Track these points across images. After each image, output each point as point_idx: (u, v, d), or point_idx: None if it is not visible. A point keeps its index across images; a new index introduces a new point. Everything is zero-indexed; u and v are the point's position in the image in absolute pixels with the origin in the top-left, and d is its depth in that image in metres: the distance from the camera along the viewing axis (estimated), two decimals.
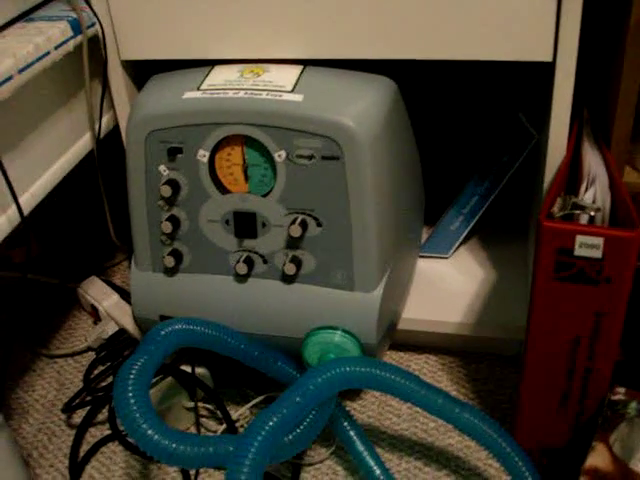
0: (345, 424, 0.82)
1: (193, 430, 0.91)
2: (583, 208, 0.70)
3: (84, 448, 0.91)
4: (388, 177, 0.80)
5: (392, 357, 1.00)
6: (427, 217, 1.07)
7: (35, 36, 0.76)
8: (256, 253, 0.82)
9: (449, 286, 1.01)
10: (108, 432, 0.92)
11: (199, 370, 0.91)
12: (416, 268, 1.04)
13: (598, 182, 0.74)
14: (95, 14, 0.83)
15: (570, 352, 0.72)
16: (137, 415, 0.67)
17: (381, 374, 0.73)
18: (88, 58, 0.84)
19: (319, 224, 0.79)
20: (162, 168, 0.81)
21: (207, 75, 0.81)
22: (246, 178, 0.79)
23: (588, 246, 0.65)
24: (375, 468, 0.80)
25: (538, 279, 0.69)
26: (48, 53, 0.77)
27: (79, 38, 0.82)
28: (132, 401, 0.67)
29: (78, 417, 0.95)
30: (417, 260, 1.05)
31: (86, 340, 1.06)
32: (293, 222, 0.78)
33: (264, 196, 0.79)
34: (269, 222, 0.80)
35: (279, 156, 0.77)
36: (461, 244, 1.06)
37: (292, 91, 0.76)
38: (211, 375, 0.92)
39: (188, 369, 0.90)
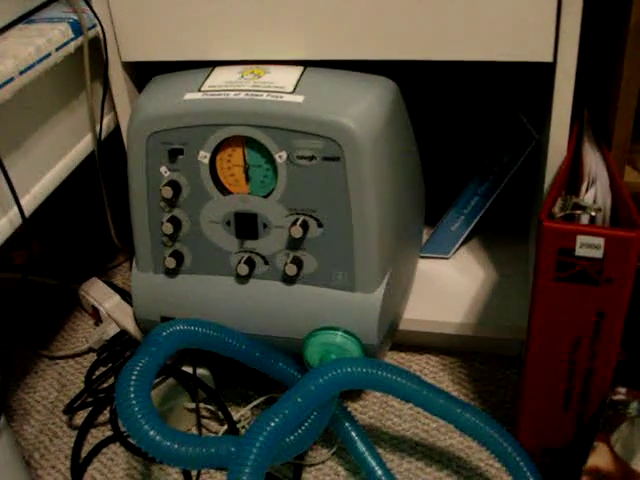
0: (346, 425, 0.82)
1: (194, 431, 0.91)
2: (584, 208, 0.71)
3: (86, 449, 0.91)
4: (389, 178, 0.80)
5: (393, 358, 1.00)
6: (428, 218, 1.07)
7: (36, 38, 0.76)
8: (257, 254, 0.82)
9: (450, 287, 1.01)
10: (110, 433, 0.93)
11: (200, 371, 0.91)
12: (417, 269, 1.04)
13: (599, 182, 0.74)
14: (96, 16, 0.83)
15: (571, 352, 0.72)
16: (139, 416, 0.67)
17: (382, 375, 0.73)
18: (89, 60, 0.84)
19: (320, 225, 0.79)
20: (163, 169, 0.81)
21: (208, 76, 0.81)
22: (247, 179, 0.80)
23: (589, 246, 0.65)
24: (377, 469, 0.80)
25: (539, 279, 0.69)
26: (49, 55, 0.77)
27: (80, 40, 0.82)
28: (134, 402, 0.68)
29: (79, 418, 0.95)
30: (418, 261, 1.05)
31: (87, 341, 1.06)
32: (294, 223, 0.78)
33: (265, 197, 0.79)
34: (270, 223, 0.80)
35: (280, 157, 0.77)
36: (462, 245, 1.06)
37: (293, 92, 0.76)
38: (212, 376, 0.92)
39: (189, 370, 0.90)
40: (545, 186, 0.81)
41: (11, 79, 0.71)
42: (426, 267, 1.04)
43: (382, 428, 0.90)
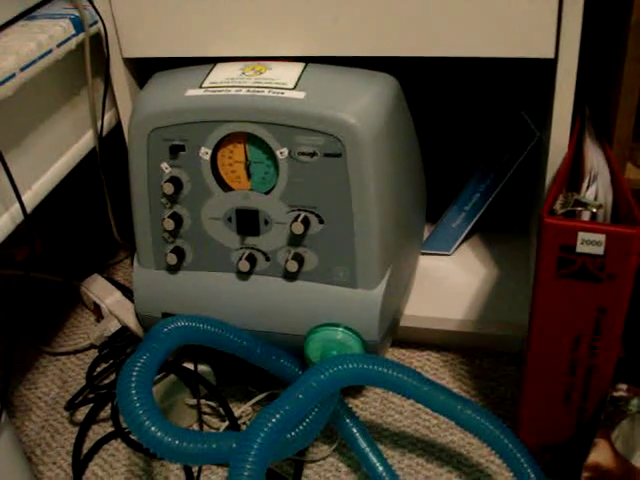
0: (347, 421, 0.82)
1: (196, 427, 0.91)
2: (585, 205, 0.71)
3: (87, 445, 0.91)
4: (390, 174, 0.80)
5: (394, 354, 1.00)
6: (429, 214, 1.07)
7: (37, 34, 0.76)
8: (258, 250, 0.83)
9: (451, 283, 1.01)
10: (111, 429, 0.93)
11: (202, 367, 0.91)
12: (418, 265, 1.04)
13: (600, 179, 0.74)
14: (97, 12, 0.83)
15: (572, 349, 0.72)
16: (140, 412, 0.67)
17: (383, 371, 0.73)
18: (90, 56, 0.85)
19: (321, 221, 0.79)
20: (164, 165, 0.81)
21: (209, 73, 0.81)
22: (248, 175, 0.80)
23: (590, 243, 0.65)
24: (377, 465, 0.80)
25: (540, 276, 0.69)
26: (50, 51, 0.77)
27: (81, 36, 0.82)
28: (135, 398, 0.68)
29: (81, 414, 0.95)
30: (419, 257, 1.05)
31: (89, 338, 1.06)
32: (295, 219, 0.78)
33: (266, 193, 0.79)
34: (271, 219, 0.81)
35: (281, 153, 0.77)
36: (463, 241, 1.06)
37: (294, 88, 0.76)
38: (214, 372, 0.92)
39: (191, 366, 0.90)
40: (546, 183, 0.81)
41: (12, 75, 0.71)
42: (427, 264, 1.04)
43: (383, 424, 0.90)
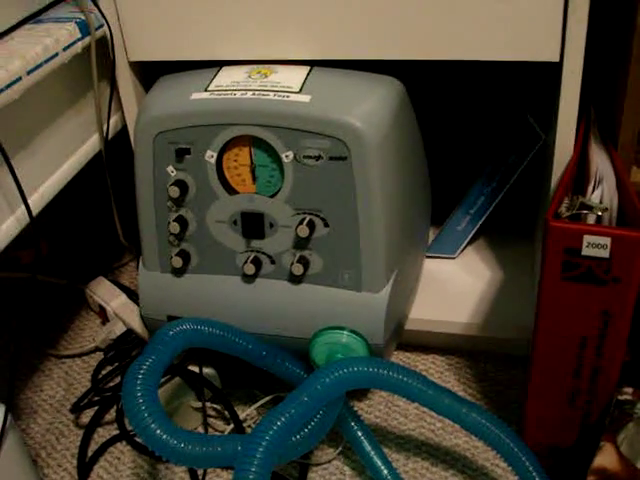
0: (352, 424, 0.82)
1: (201, 430, 0.91)
2: (590, 208, 0.70)
3: (92, 448, 0.91)
4: (395, 177, 0.80)
5: (399, 357, 1.00)
6: (434, 217, 1.07)
7: (44, 38, 0.76)
8: (264, 253, 0.83)
9: (456, 286, 1.01)
10: (116, 432, 0.93)
11: (207, 370, 0.91)
12: (423, 268, 1.04)
13: (605, 182, 0.74)
14: (103, 15, 0.83)
15: (577, 352, 0.72)
16: (145, 415, 0.67)
17: (388, 374, 0.73)
18: (96, 59, 0.85)
19: (326, 224, 0.79)
20: (170, 169, 0.81)
21: (215, 76, 0.81)
22: (254, 179, 0.80)
23: (595, 246, 0.65)
24: (382, 468, 0.80)
25: (545, 279, 0.69)
26: (56, 54, 0.77)
27: (87, 39, 0.83)
28: (140, 401, 0.68)
29: (86, 417, 0.95)
30: (424, 260, 1.05)
31: (94, 340, 1.06)
32: (301, 222, 0.79)
33: (272, 196, 0.80)
34: (277, 222, 0.81)
35: (287, 157, 0.77)
36: (468, 244, 1.06)
37: (299, 92, 0.77)
38: (219, 375, 0.93)
39: (196, 369, 0.90)
40: (551, 186, 0.81)
41: (19, 79, 0.71)
42: (432, 267, 1.04)
43: (388, 428, 0.90)
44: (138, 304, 0.95)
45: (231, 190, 0.81)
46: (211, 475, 0.86)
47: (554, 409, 0.76)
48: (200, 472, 0.86)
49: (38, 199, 0.79)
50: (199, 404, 0.90)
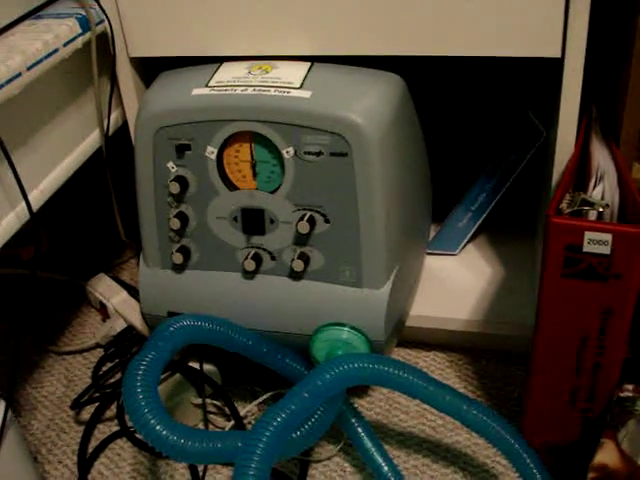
0: (353, 421, 0.82)
1: (201, 426, 0.91)
2: (592, 204, 0.70)
3: (93, 444, 0.91)
4: (396, 174, 0.80)
5: (400, 354, 1.00)
6: (435, 214, 1.06)
7: (44, 33, 0.76)
8: (264, 250, 0.83)
9: (457, 283, 1.01)
10: (116, 428, 0.93)
11: (207, 367, 0.91)
12: (424, 265, 1.03)
13: (607, 178, 0.74)
14: (103, 11, 0.83)
15: (578, 349, 0.72)
16: (146, 411, 0.67)
17: (389, 371, 0.73)
18: (96, 55, 0.85)
19: (327, 221, 0.79)
20: (170, 165, 0.81)
21: (215, 72, 0.81)
22: (254, 175, 0.80)
23: (597, 242, 0.65)
24: (383, 465, 0.80)
25: (546, 276, 0.69)
26: (57, 50, 0.77)
27: (87, 35, 0.82)
28: (140, 397, 0.68)
29: (87, 413, 0.95)
30: (425, 257, 1.05)
31: (94, 337, 1.06)
32: (301, 219, 0.78)
33: (272, 193, 0.79)
34: (277, 219, 0.80)
35: (287, 152, 0.77)
36: (469, 241, 1.06)
37: (300, 87, 0.76)
38: (219, 372, 0.93)
39: (196, 366, 0.90)
40: (553, 182, 0.81)
41: (19, 74, 0.71)
42: (433, 264, 1.04)
43: (388, 424, 0.90)
44: (138, 300, 0.95)
45: (231, 186, 0.81)
46: (211, 471, 0.86)
47: (555, 406, 0.76)
48: (200, 468, 0.86)
49: (38, 195, 0.78)
50: (199, 400, 0.90)
